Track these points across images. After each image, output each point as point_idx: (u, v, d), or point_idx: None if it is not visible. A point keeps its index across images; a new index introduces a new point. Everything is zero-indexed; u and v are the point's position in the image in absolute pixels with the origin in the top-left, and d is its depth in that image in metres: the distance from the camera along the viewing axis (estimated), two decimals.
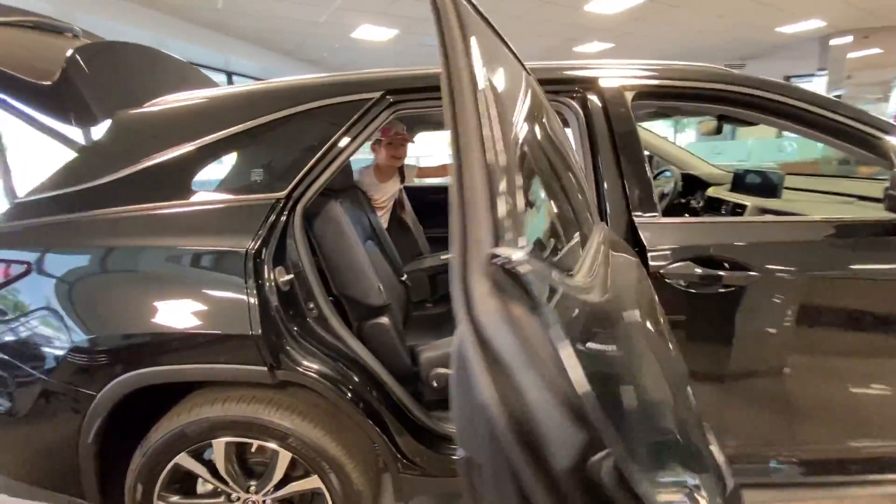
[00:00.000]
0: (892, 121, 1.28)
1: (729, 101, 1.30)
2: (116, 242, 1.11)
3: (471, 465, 0.43)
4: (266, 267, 1.09)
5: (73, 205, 1.15)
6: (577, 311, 0.59)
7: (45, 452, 1.17)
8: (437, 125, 2.69)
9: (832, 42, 8.51)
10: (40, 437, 1.16)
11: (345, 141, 1.19)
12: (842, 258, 1.17)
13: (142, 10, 5.45)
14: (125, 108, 1.28)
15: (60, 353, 1.08)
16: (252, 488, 1.20)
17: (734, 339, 1.18)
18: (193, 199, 1.16)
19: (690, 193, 2.42)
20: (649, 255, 1.13)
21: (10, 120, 1.28)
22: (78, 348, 1.07)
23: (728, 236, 1.18)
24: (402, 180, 2.35)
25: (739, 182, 2.17)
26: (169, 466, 1.14)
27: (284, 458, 1.15)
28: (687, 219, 1.29)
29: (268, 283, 1.09)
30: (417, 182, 2.89)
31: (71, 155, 1.26)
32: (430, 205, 2.61)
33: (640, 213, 1.18)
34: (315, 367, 1.13)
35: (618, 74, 1.27)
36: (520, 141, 0.62)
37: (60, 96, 1.23)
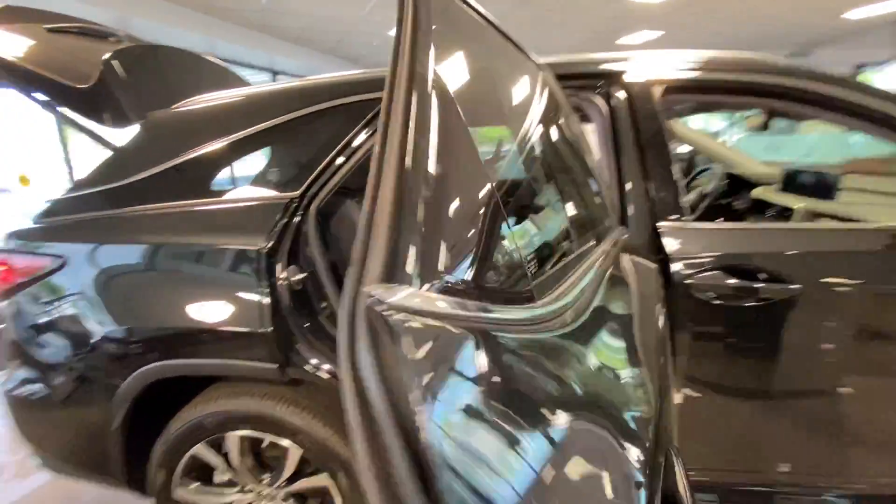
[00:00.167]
0: None
1: (776, 95, 1.18)
2: (138, 239, 1.16)
3: None
4: (279, 266, 1.11)
5: (103, 203, 1.21)
6: (495, 351, 0.50)
7: (78, 436, 1.25)
8: None
9: None
10: (74, 421, 1.24)
11: (360, 140, 1.18)
12: None
13: (193, 13, 5.72)
14: (158, 110, 1.34)
15: (89, 343, 1.15)
16: (265, 481, 1.23)
17: (767, 359, 1.07)
18: (211, 198, 1.20)
19: (735, 194, 2.25)
20: (672, 263, 1.05)
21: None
22: (105, 339, 1.14)
23: (765, 244, 1.07)
24: None
25: (790, 182, 1.99)
26: (187, 455, 1.19)
27: (296, 454, 1.16)
28: (717, 224, 1.18)
29: (280, 282, 1.10)
30: None
31: (106, 155, 1.33)
32: None
33: (665, 218, 1.10)
34: (326, 365, 1.14)
35: (645, 68, 1.18)
36: (503, 150, 0.58)
37: (96, 98, 1.30)
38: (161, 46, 1.64)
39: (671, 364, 0.97)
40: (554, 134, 0.82)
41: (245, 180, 1.23)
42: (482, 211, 0.57)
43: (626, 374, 0.68)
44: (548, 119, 0.82)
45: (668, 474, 0.63)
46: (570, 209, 0.79)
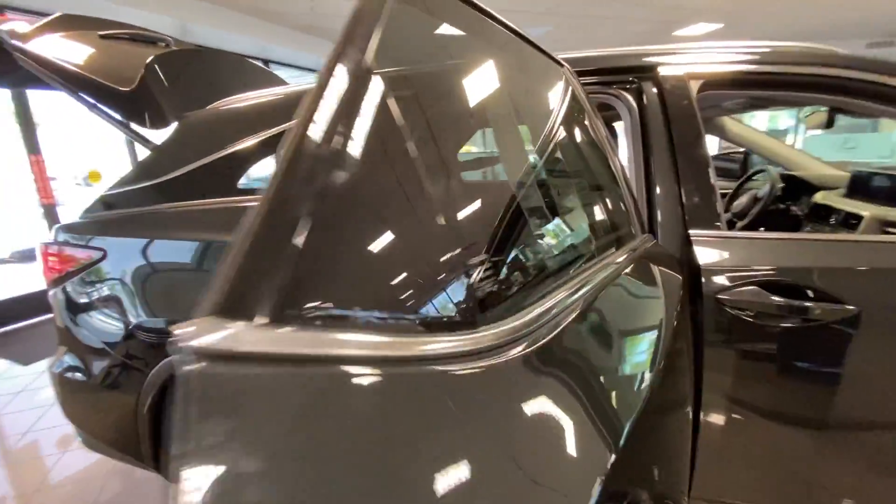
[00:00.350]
0: None
1: (837, 90, 1.05)
2: (169, 235, 1.21)
3: None
4: None
5: (139, 199, 1.27)
6: (363, 399, 0.37)
7: (113, 417, 1.33)
8: None
9: None
10: (109, 404, 1.32)
11: None
12: None
13: (247, 18, 6.01)
14: (195, 111, 1.39)
15: (123, 331, 1.22)
16: None
17: (806, 386, 0.96)
18: (237, 196, 1.23)
19: (793, 198, 2.05)
20: (704, 275, 0.95)
21: None
22: (138, 327, 1.20)
23: (816, 257, 0.95)
24: None
25: (859, 185, 1.78)
26: None
27: None
28: (758, 233, 1.06)
29: None
30: None
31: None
32: None
33: (698, 226, 1.00)
34: None
35: (681, 61, 1.09)
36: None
37: (138, 101, 1.38)
38: (202, 50, 1.72)
39: (690, 385, 0.88)
40: (552, 134, 0.76)
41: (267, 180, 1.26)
42: (412, 224, 0.46)
43: (595, 405, 0.52)
44: (566, 122, 0.76)
45: None
46: (565, 217, 0.71)
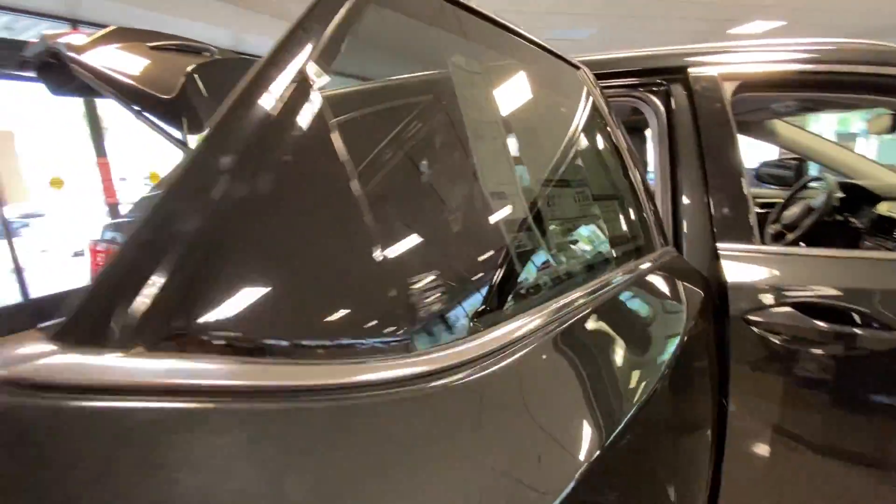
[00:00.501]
0: None
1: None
2: None
3: None
4: None
5: None
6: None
7: None
8: None
9: None
10: None
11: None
12: None
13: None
14: None
15: None
16: None
17: (847, 420, 0.85)
18: None
19: (854, 210, 1.87)
20: (732, 292, 0.87)
21: None
22: None
23: (867, 277, 0.85)
24: None
25: None
26: None
27: None
28: (796, 249, 0.97)
29: None
30: None
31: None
32: None
33: (728, 239, 0.92)
34: None
35: (714, 60, 1.01)
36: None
37: (178, 108, 1.46)
38: (243, 58, 1.80)
39: (711, 410, 0.80)
40: (545, 137, 0.72)
41: None
42: (343, 235, 0.39)
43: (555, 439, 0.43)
44: (539, 122, 0.72)
45: None
46: (550, 228, 0.65)
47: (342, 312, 0.37)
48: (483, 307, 0.48)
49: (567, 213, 0.70)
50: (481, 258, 0.53)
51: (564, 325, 0.51)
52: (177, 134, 1.56)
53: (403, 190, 0.48)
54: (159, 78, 1.51)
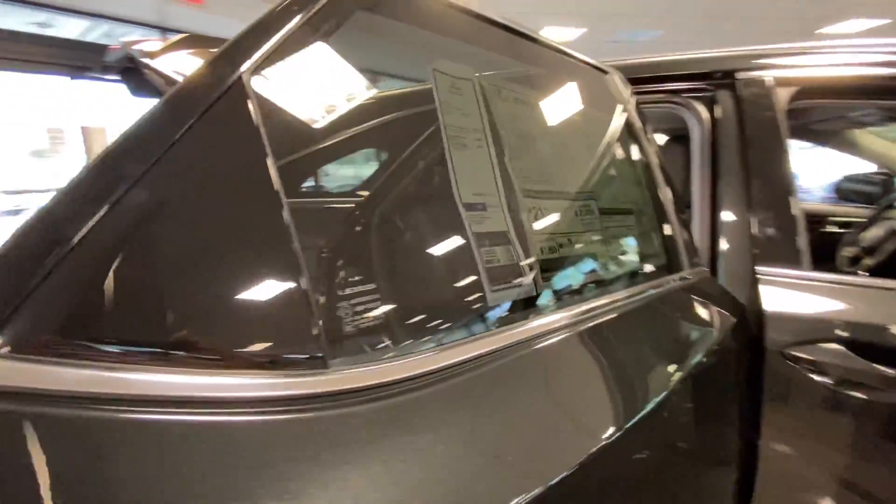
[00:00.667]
0: None
1: None
2: None
3: None
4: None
5: None
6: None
7: None
8: None
9: None
10: None
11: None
12: None
13: None
14: None
15: None
16: None
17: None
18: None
19: None
20: (769, 323, 0.78)
21: None
22: None
23: None
24: None
25: None
26: None
27: None
28: (854, 278, 0.85)
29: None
30: None
31: None
32: None
33: (769, 262, 0.83)
34: None
35: (770, 63, 0.91)
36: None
37: None
38: None
39: (735, 449, 0.72)
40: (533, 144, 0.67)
41: None
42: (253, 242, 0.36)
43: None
44: (536, 128, 0.68)
45: None
46: (534, 236, 0.59)
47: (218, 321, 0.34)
48: (426, 324, 0.47)
49: (570, 227, 0.66)
50: (449, 272, 0.52)
51: (547, 343, 0.48)
52: None
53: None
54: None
